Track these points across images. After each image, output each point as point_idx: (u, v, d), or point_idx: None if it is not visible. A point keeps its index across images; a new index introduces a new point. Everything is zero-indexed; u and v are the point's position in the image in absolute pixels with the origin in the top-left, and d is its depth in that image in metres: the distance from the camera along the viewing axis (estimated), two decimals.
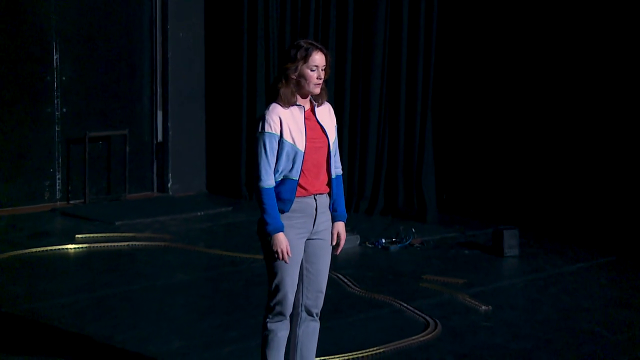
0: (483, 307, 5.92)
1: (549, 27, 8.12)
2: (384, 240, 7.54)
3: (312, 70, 4.03)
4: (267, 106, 4.08)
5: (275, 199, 4.02)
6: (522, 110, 8.35)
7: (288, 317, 4.17)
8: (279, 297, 4.10)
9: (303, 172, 4.04)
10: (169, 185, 9.74)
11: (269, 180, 4.00)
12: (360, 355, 4.99)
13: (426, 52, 8.60)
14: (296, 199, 4.04)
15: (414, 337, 5.30)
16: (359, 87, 8.86)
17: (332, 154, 4.15)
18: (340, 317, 5.59)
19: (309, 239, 4.13)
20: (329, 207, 4.19)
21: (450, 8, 8.62)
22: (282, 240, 4.01)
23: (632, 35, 7.61)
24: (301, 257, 4.13)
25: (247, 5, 9.39)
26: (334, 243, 4.23)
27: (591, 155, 7.92)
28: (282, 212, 4.04)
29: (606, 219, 7.73)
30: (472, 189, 8.73)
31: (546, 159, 8.22)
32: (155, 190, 9.82)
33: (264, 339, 4.20)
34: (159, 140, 9.76)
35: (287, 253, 4.02)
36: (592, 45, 7.86)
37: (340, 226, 4.23)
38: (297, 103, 4.07)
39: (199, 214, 8.79)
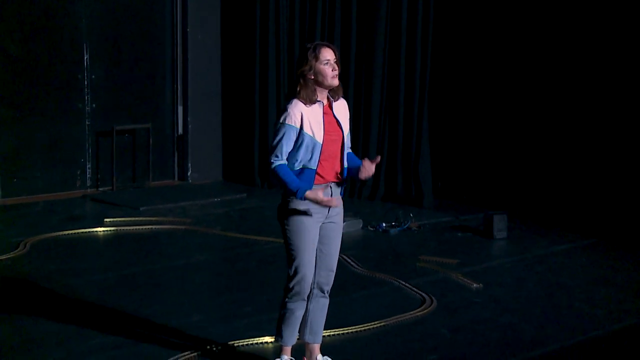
0: (474, 285, 5.93)
1: (538, 21, 8.09)
2: (384, 224, 7.54)
3: (324, 65, 4.03)
4: (289, 101, 4.06)
5: (290, 171, 3.99)
6: (510, 108, 8.33)
7: (305, 298, 4.17)
8: (297, 278, 4.10)
9: (320, 163, 4.04)
10: (189, 173, 9.75)
11: (280, 161, 4.00)
12: (362, 328, 5.01)
13: (423, 53, 8.58)
14: (314, 187, 4.04)
15: (411, 312, 5.31)
16: (362, 85, 8.85)
17: (346, 146, 4.14)
18: (345, 294, 5.60)
19: (323, 222, 4.13)
20: (347, 180, 4.13)
21: (446, 10, 8.59)
22: (315, 193, 3.96)
23: (613, 25, 7.57)
24: (317, 240, 4.12)
25: (260, 10, 9.38)
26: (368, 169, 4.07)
27: (574, 147, 7.91)
28: (302, 198, 4.03)
29: (588, 204, 7.73)
30: (465, 177, 8.72)
31: (533, 150, 8.21)
32: (176, 178, 9.84)
33: (282, 316, 4.20)
34: (179, 133, 9.77)
35: (326, 198, 3.95)
36: (576, 38, 7.83)
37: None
38: (318, 99, 4.07)
39: (216, 200, 8.81)
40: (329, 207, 4.09)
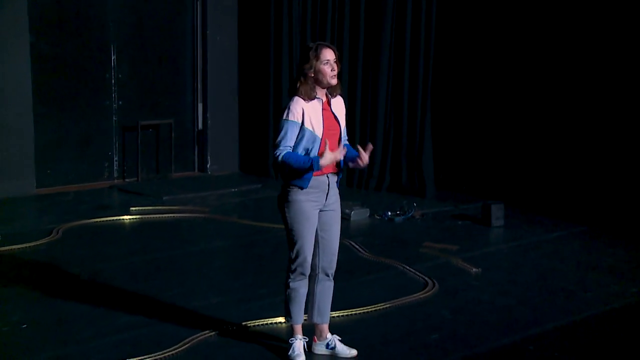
0: (473, 270, 5.91)
1: (534, 17, 8.03)
2: (389, 213, 7.53)
3: (324, 64, 4.01)
4: (291, 98, 4.06)
5: (296, 153, 3.96)
6: (506, 107, 8.30)
7: (307, 277, 4.18)
8: (299, 260, 4.12)
9: (321, 149, 4.02)
10: (208, 166, 9.76)
11: (284, 150, 3.99)
12: (369, 309, 5.00)
13: (426, 54, 8.55)
14: (313, 177, 4.04)
15: (415, 295, 5.30)
16: (369, 83, 8.83)
17: (342, 139, 4.14)
18: (352, 278, 5.60)
19: (322, 210, 4.13)
20: (342, 166, 4.14)
21: (448, 13, 8.55)
22: (326, 157, 3.92)
23: (611, 22, 7.49)
24: (316, 226, 4.13)
25: (274, 13, 9.37)
26: (364, 158, 4.07)
27: (566, 142, 7.88)
28: (302, 188, 4.03)
29: (579, 194, 7.70)
30: (465, 169, 8.70)
31: (528, 144, 8.18)
32: (196, 170, 9.85)
33: (288, 297, 4.22)
34: (199, 128, 9.77)
35: (335, 154, 3.93)
36: (575, 34, 7.76)
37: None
38: (317, 96, 4.06)
39: (233, 190, 8.81)
40: (327, 195, 4.07)
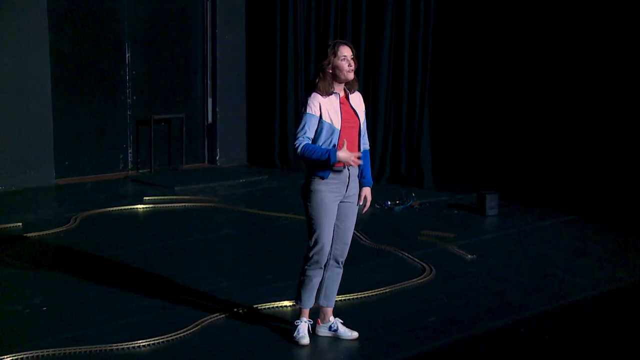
0: (469, 256, 5.91)
1: (531, 15, 7.99)
2: (389, 202, 7.53)
3: (342, 60, 4.01)
4: (309, 94, 4.06)
5: (314, 145, 3.95)
6: (500, 103, 8.27)
7: (323, 267, 4.17)
8: (317, 248, 4.10)
9: (339, 147, 4.02)
10: (217, 157, 9.76)
11: (303, 141, 3.98)
12: (370, 294, 5.01)
13: (424, 51, 8.54)
14: (333, 168, 4.03)
15: (413, 280, 5.31)
16: (370, 76, 8.81)
17: (362, 133, 4.13)
18: (354, 264, 5.60)
19: (342, 201, 4.12)
20: (358, 176, 4.17)
21: (446, 5, 8.50)
22: (344, 153, 3.94)
23: (610, 18, 7.46)
24: (335, 215, 4.12)
25: (280, 13, 9.35)
26: (361, 204, 4.20)
27: (557, 134, 7.86)
28: (322, 178, 4.02)
29: (569, 184, 7.69)
30: (461, 161, 8.69)
31: (521, 137, 8.16)
32: (206, 162, 9.86)
33: (302, 282, 4.21)
34: (209, 122, 9.78)
35: (351, 156, 3.94)
36: (569, 28, 7.72)
37: (367, 190, 4.19)
38: (334, 91, 4.05)
39: (241, 181, 8.82)
40: (347, 186, 4.08)
